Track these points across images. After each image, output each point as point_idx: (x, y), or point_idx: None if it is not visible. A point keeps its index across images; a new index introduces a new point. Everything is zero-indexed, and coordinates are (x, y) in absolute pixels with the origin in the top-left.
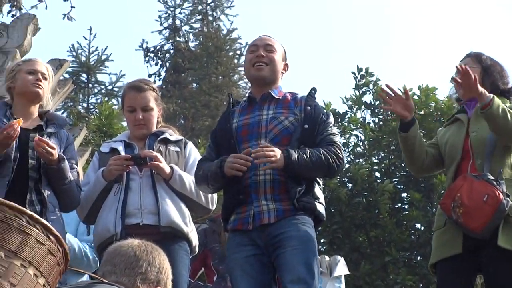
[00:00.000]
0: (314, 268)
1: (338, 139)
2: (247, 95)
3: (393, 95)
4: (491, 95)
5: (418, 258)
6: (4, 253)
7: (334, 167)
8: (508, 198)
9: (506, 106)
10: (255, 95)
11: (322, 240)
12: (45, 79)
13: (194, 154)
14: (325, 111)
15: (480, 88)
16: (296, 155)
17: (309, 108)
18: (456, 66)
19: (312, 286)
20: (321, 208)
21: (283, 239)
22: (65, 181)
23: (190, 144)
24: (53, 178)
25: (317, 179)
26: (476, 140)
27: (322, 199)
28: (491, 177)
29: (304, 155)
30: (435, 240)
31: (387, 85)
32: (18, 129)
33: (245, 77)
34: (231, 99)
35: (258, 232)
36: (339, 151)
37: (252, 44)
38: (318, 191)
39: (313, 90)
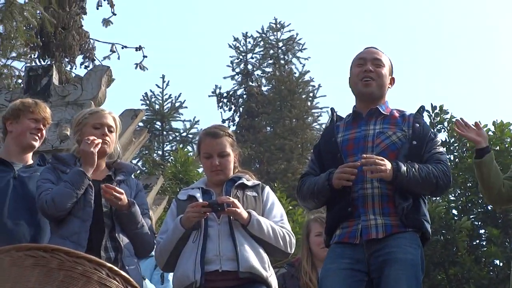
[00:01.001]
0: None
1: (445, 158)
2: (352, 109)
3: (465, 127)
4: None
5: None
6: None
7: (441, 185)
8: None
9: None
10: (360, 109)
11: None
12: (111, 131)
13: (271, 198)
14: (433, 130)
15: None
16: (405, 168)
17: (418, 125)
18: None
19: None
20: (428, 226)
21: (389, 260)
22: (137, 225)
23: (268, 189)
24: (125, 223)
25: (423, 197)
26: None
27: (428, 217)
28: None
29: (413, 169)
30: None
31: (460, 119)
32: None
33: (319, 119)
34: (335, 114)
35: (363, 247)
36: (447, 169)
37: (359, 57)
38: (424, 208)
39: (422, 108)
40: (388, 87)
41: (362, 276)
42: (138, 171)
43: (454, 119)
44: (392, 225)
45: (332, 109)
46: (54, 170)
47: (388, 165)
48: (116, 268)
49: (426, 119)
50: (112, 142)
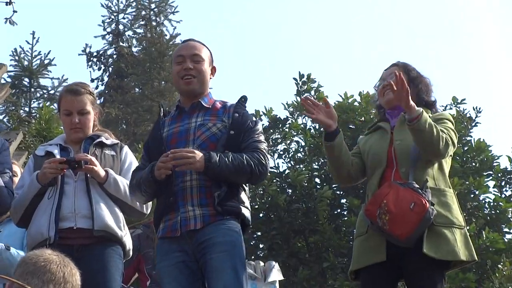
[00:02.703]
0: (241, 274)
1: (264, 146)
2: (176, 104)
3: (314, 106)
4: (421, 109)
5: None
6: None
7: (256, 173)
8: (432, 207)
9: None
10: (184, 105)
11: (261, 246)
12: None
13: (129, 158)
14: (254, 119)
15: (411, 101)
16: (217, 158)
17: (237, 115)
18: (395, 73)
19: None
20: (246, 212)
21: (210, 245)
22: None
23: (126, 148)
24: None
25: (243, 184)
26: (400, 149)
27: (247, 204)
28: (417, 186)
29: (226, 159)
30: (358, 247)
31: (306, 97)
32: None
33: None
34: (162, 109)
35: (186, 239)
36: (262, 157)
37: (178, 54)
38: (243, 195)
39: (243, 98)
40: (210, 78)
41: (194, 265)
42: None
43: (321, 89)
44: (210, 215)
45: (160, 104)
46: None
47: (198, 156)
48: None
49: (293, 87)
50: None
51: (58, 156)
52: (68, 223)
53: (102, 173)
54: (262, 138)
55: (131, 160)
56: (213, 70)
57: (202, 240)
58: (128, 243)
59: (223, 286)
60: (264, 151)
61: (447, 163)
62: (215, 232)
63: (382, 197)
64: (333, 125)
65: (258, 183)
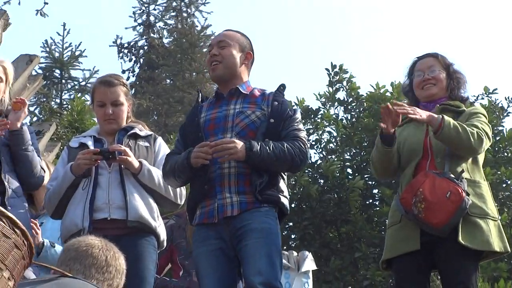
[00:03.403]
0: (275, 261)
1: (304, 134)
2: (215, 91)
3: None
4: (440, 116)
5: None
6: None
7: (297, 161)
8: (468, 197)
9: (458, 110)
10: (222, 90)
11: (292, 236)
12: None
13: (163, 149)
14: (293, 107)
15: (425, 115)
16: (258, 147)
17: (276, 103)
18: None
19: (273, 279)
20: (285, 201)
21: (246, 231)
22: (26, 144)
23: (160, 139)
24: (14, 144)
25: (282, 173)
26: (436, 140)
27: (286, 193)
28: (453, 176)
29: (267, 147)
30: (391, 236)
31: (395, 103)
32: None
33: None
34: (200, 94)
35: (223, 226)
36: (303, 146)
37: (208, 45)
38: (282, 184)
39: (282, 86)
40: (245, 63)
41: (231, 252)
42: (35, 118)
43: (353, 79)
44: (247, 202)
45: (198, 90)
46: None
47: (239, 145)
48: (2, 209)
49: (325, 78)
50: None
51: (92, 148)
52: (103, 214)
53: (136, 164)
54: (301, 126)
55: (165, 151)
56: (249, 55)
57: (238, 227)
58: (162, 233)
59: (257, 272)
60: (304, 139)
61: (481, 156)
62: (252, 219)
63: (418, 185)
64: (392, 132)
65: (298, 172)
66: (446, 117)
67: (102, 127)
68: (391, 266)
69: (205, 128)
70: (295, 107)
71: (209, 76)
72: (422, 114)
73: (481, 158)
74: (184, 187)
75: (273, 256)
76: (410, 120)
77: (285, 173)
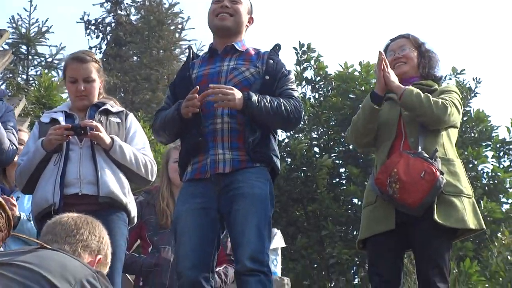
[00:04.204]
0: (264, 232)
1: (297, 95)
2: (209, 47)
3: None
4: (404, 87)
5: (355, 233)
6: None
7: (292, 118)
8: (442, 176)
9: (431, 89)
10: (217, 46)
11: None
12: None
13: (135, 125)
14: (287, 68)
15: (392, 82)
16: (256, 98)
17: (271, 61)
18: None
19: (260, 252)
20: (277, 160)
21: (237, 195)
22: None
23: (131, 116)
24: None
25: (274, 132)
26: (409, 119)
27: (277, 152)
28: (426, 155)
29: (265, 99)
30: (366, 216)
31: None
32: None
33: (186, 51)
34: (191, 51)
35: (213, 182)
36: (298, 104)
37: None
38: (274, 143)
39: (277, 46)
40: (247, 25)
41: (214, 214)
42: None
43: (320, 58)
44: (240, 160)
45: (189, 47)
46: None
47: (237, 94)
48: None
49: (293, 57)
50: None
51: (63, 123)
52: (74, 189)
53: (107, 139)
54: (295, 87)
55: (136, 128)
56: (251, 19)
57: (230, 188)
58: (133, 210)
59: (246, 242)
60: (299, 99)
61: (453, 134)
62: (244, 181)
63: (392, 166)
64: (384, 91)
65: (292, 130)
66: (411, 87)
67: (74, 103)
68: (365, 247)
69: (198, 83)
70: (289, 68)
71: (176, 53)
72: (393, 79)
73: (453, 136)
74: (155, 163)
75: (262, 227)
76: (386, 99)
77: (277, 133)
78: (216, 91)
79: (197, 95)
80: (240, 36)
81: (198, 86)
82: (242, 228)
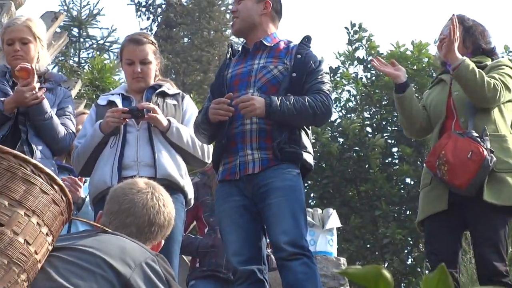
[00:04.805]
0: (300, 219)
1: (327, 87)
2: (242, 45)
3: (382, 63)
4: (464, 57)
5: (408, 213)
6: (8, 202)
7: (319, 115)
8: (492, 154)
9: (483, 64)
10: (248, 45)
11: (312, 195)
12: (25, 43)
13: (191, 108)
14: (318, 59)
15: (454, 51)
16: (278, 102)
17: (299, 56)
18: (452, 20)
19: (299, 238)
20: (308, 157)
21: (269, 190)
22: (44, 115)
23: (188, 98)
24: (33, 116)
25: (305, 128)
26: (458, 99)
27: (310, 148)
28: (476, 134)
29: (287, 102)
30: (422, 198)
31: (376, 58)
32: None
33: None
34: (230, 49)
35: (245, 183)
36: (325, 99)
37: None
38: (305, 140)
39: (306, 38)
40: (264, 13)
41: (254, 209)
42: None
43: (372, 38)
44: (268, 159)
45: (229, 44)
46: None
47: (257, 102)
48: (41, 165)
49: (345, 37)
50: (27, 54)
51: (120, 106)
52: (131, 171)
53: (164, 122)
54: (325, 79)
55: (193, 110)
56: (267, 4)
57: (261, 185)
58: (190, 192)
59: (282, 232)
60: (328, 92)
61: (508, 109)
62: (274, 176)
63: (441, 148)
64: (401, 77)
65: (322, 125)
66: (468, 60)
67: (131, 85)
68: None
69: (231, 83)
70: (320, 58)
71: (227, 34)
72: (453, 50)
73: (508, 112)
74: (211, 146)
75: (297, 214)
76: (438, 81)
77: (309, 128)
78: (235, 104)
79: (227, 101)
80: (262, 28)
81: (231, 93)
82: (279, 219)
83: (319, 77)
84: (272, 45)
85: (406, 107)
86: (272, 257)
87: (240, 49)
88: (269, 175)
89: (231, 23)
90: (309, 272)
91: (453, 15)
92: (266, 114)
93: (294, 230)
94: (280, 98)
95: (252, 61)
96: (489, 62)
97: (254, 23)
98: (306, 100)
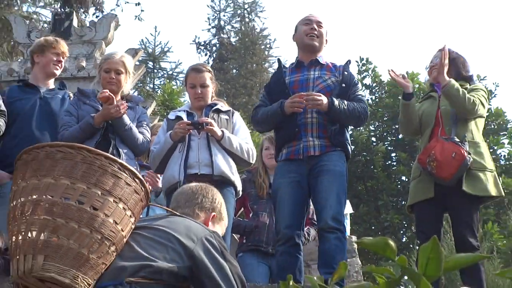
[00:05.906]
0: (342, 199)
1: (365, 100)
2: (295, 59)
3: (396, 75)
4: (450, 79)
5: (403, 203)
6: (100, 191)
7: (362, 118)
8: (469, 156)
9: (463, 88)
10: (302, 59)
11: None
12: (119, 73)
13: (239, 121)
14: (355, 78)
15: (443, 74)
16: (337, 102)
17: (346, 73)
18: (443, 48)
19: (339, 214)
20: (349, 148)
21: (324, 170)
22: (125, 127)
23: (237, 114)
24: (117, 127)
25: (348, 126)
26: (445, 112)
27: (349, 141)
28: (457, 140)
29: (343, 104)
30: (413, 187)
31: (392, 70)
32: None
33: (273, 64)
34: (281, 63)
35: (305, 162)
36: (366, 107)
37: (307, 19)
38: (347, 134)
39: (349, 61)
40: (324, 46)
41: (305, 185)
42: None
43: (376, 69)
44: (326, 145)
45: (278, 59)
46: (77, 102)
47: (324, 99)
48: (126, 164)
49: (355, 67)
50: (119, 82)
51: (185, 120)
52: (194, 170)
53: (219, 132)
54: (362, 93)
55: (240, 123)
56: (326, 41)
57: (319, 164)
58: (239, 185)
59: (329, 205)
60: (366, 103)
61: (480, 122)
62: (329, 160)
63: (431, 148)
64: (409, 87)
65: (361, 126)
66: (453, 81)
67: (193, 104)
68: (413, 210)
69: (291, 87)
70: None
71: (265, 66)
72: (443, 73)
73: (480, 124)
74: (255, 150)
75: (341, 195)
76: (428, 97)
77: (349, 128)
78: (309, 98)
79: (302, 99)
80: (320, 53)
81: (302, 93)
82: (326, 195)
83: (359, 90)
84: (324, 63)
85: (409, 112)
86: (311, 231)
87: (293, 61)
88: (326, 158)
89: (310, 35)
90: (340, 246)
91: (445, 45)
92: (328, 110)
93: (337, 207)
94: (338, 100)
95: (308, 72)
96: (468, 86)
97: (322, 48)
98: (355, 105)
